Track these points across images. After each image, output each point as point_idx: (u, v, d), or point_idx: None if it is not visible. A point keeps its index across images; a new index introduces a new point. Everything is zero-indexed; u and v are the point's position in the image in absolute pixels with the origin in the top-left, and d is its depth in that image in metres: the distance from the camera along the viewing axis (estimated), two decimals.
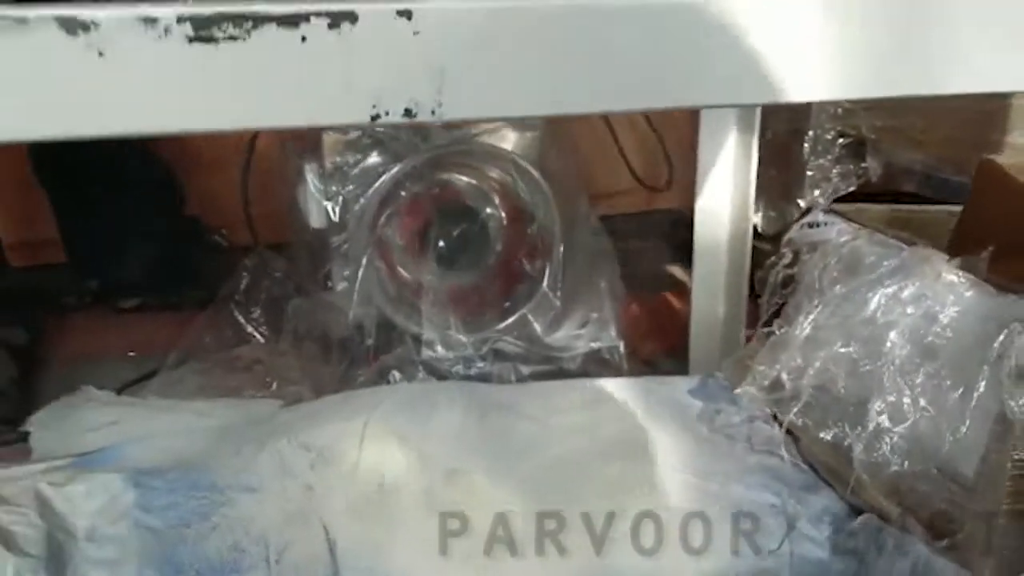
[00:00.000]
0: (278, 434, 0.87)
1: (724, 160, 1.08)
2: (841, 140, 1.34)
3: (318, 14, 0.39)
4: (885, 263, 0.84)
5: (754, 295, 1.12)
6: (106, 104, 0.38)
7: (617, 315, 1.13)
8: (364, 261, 1.03)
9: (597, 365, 1.13)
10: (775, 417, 0.89)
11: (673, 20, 0.43)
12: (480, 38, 0.41)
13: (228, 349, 1.15)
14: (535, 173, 1.08)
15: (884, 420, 0.77)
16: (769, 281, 1.01)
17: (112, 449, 0.90)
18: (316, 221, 1.11)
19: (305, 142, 1.13)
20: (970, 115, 1.20)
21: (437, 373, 1.08)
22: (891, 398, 0.76)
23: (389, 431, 0.88)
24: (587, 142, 1.54)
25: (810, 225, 0.99)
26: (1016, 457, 0.71)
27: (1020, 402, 0.66)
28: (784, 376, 0.85)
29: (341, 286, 1.10)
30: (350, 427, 0.88)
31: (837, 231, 0.93)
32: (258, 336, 1.17)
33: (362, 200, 1.07)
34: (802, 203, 1.35)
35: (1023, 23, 0.50)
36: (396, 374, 1.07)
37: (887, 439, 0.76)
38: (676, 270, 1.47)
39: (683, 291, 1.31)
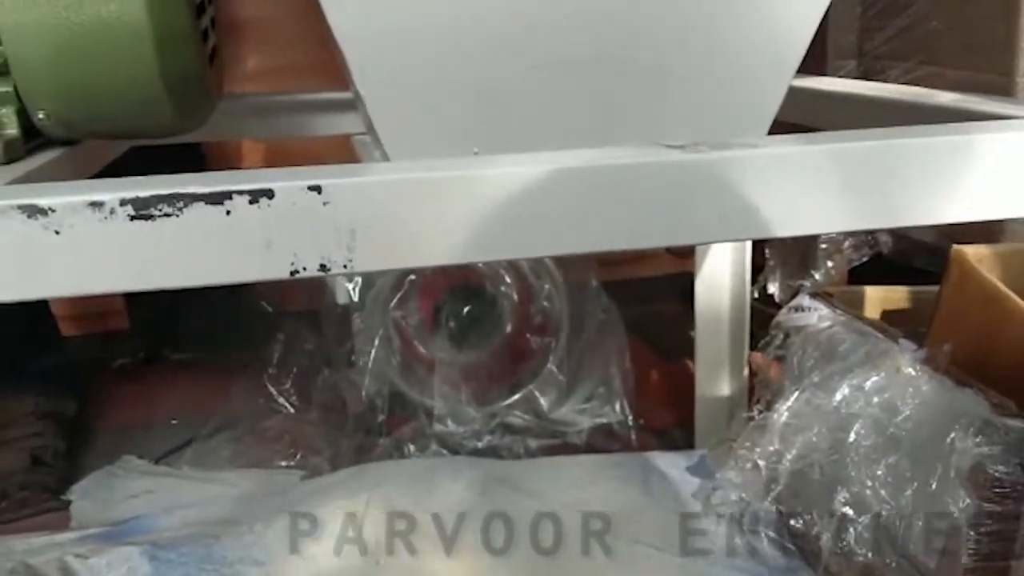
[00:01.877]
0: (287, 508, 0.94)
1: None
2: None
3: (240, 192, 0.46)
4: (855, 353, 0.87)
5: None
6: (62, 272, 0.45)
7: (623, 389, 1.17)
8: (377, 340, 1.10)
9: (605, 437, 1.17)
10: None
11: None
12: (384, 203, 0.47)
13: (259, 419, 1.23)
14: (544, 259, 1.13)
15: (849, 510, 0.79)
16: (760, 365, 1.05)
17: (142, 519, 0.99)
18: (340, 298, 1.19)
19: None
20: None
21: (449, 446, 1.13)
22: (855, 488, 0.79)
23: (389, 507, 0.94)
24: None
25: (796, 309, 1.02)
26: (970, 552, 0.73)
27: (961, 505, 0.68)
28: (762, 462, 0.88)
29: (361, 361, 1.17)
30: (353, 503, 0.95)
31: (818, 316, 0.96)
32: (288, 407, 1.25)
33: (379, 280, 1.15)
34: (817, 275, 1.38)
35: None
36: (410, 446, 1.13)
37: (852, 528, 0.79)
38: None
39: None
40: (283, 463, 1.15)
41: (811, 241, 1.38)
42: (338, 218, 0.47)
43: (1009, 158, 0.54)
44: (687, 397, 1.27)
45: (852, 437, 0.81)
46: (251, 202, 0.46)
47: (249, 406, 1.25)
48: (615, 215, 0.52)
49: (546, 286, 1.13)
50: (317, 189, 0.47)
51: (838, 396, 0.84)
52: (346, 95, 0.90)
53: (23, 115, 0.61)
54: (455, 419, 1.12)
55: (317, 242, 0.47)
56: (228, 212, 0.46)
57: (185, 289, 0.47)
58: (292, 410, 1.24)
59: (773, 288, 1.37)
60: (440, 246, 0.49)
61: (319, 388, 1.22)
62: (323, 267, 0.47)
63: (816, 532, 0.82)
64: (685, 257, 1.69)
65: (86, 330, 1.53)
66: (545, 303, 1.13)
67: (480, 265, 1.15)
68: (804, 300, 1.01)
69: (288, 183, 0.46)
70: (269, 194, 0.46)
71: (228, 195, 0.46)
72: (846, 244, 1.36)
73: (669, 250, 1.68)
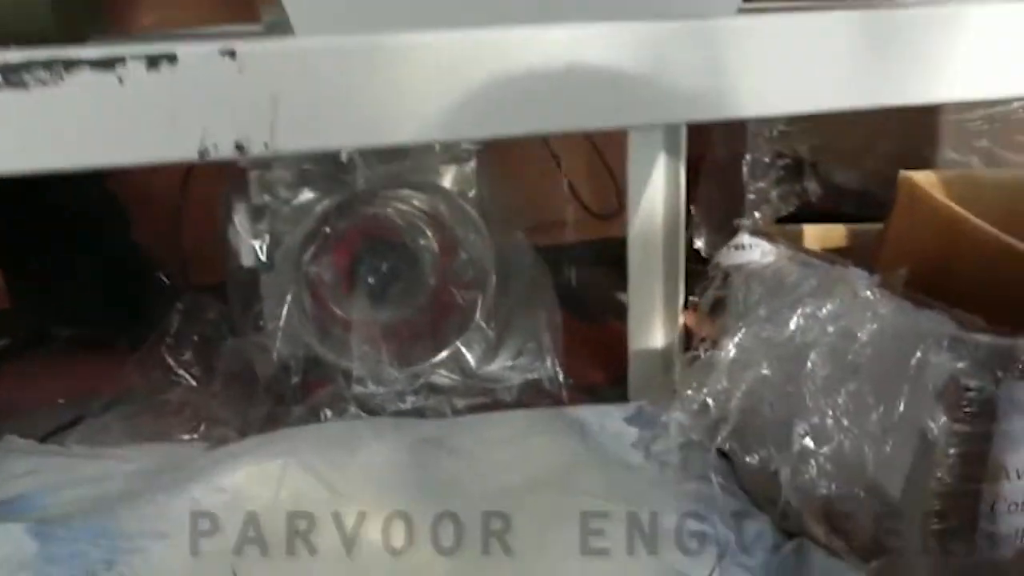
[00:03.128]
0: (195, 478, 0.85)
1: (654, 183, 1.07)
2: (780, 162, 1.33)
3: (135, 56, 0.37)
4: (805, 283, 0.82)
5: None
6: None
7: (555, 344, 1.11)
8: (289, 299, 1.01)
9: (536, 395, 1.11)
10: None
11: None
12: (312, 72, 0.40)
13: (156, 392, 1.12)
14: (465, 205, 1.06)
15: (808, 442, 0.75)
16: (701, 305, 1.00)
17: (26, 498, 0.88)
18: (246, 260, 1.10)
19: (234, 180, 1.12)
20: (904, 133, 1.19)
21: (370, 409, 1.05)
22: (815, 419, 0.75)
23: (308, 471, 0.85)
24: (534, 173, 1.54)
25: (736, 247, 0.98)
26: (938, 476, 0.69)
27: (940, 422, 0.65)
28: (711, 400, 0.83)
29: (271, 325, 1.08)
30: (268, 468, 0.86)
31: (761, 252, 0.92)
32: (188, 379, 1.15)
33: (288, 236, 1.06)
34: (745, 222, 1.34)
35: None
36: (327, 412, 1.04)
37: (813, 461, 0.74)
38: (624, 297, 1.46)
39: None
40: (185, 436, 1.05)
41: (737, 192, 1.35)
42: (257, 88, 0.39)
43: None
44: (617, 357, 1.23)
45: (808, 367, 0.77)
46: (150, 67, 0.38)
47: (145, 380, 1.14)
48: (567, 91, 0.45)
49: (471, 236, 1.06)
50: (231, 54, 0.39)
51: (791, 327, 0.80)
52: None
53: None
54: (376, 380, 1.04)
55: (232, 116, 0.39)
56: (120, 80, 0.38)
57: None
58: (193, 382, 1.14)
59: (699, 243, 1.33)
60: (375, 122, 0.41)
61: (224, 357, 1.13)
62: (239, 147, 0.39)
63: (774, 468, 0.77)
64: (609, 220, 1.65)
65: None
66: (469, 254, 1.06)
67: (398, 218, 1.07)
68: (744, 238, 0.97)
69: (196, 48, 0.38)
70: (172, 59, 0.38)
71: (120, 60, 0.37)
72: (773, 193, 1.33)
73: (593, 214, 1.63)
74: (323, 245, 1.05)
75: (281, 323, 1.02)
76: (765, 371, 0.82)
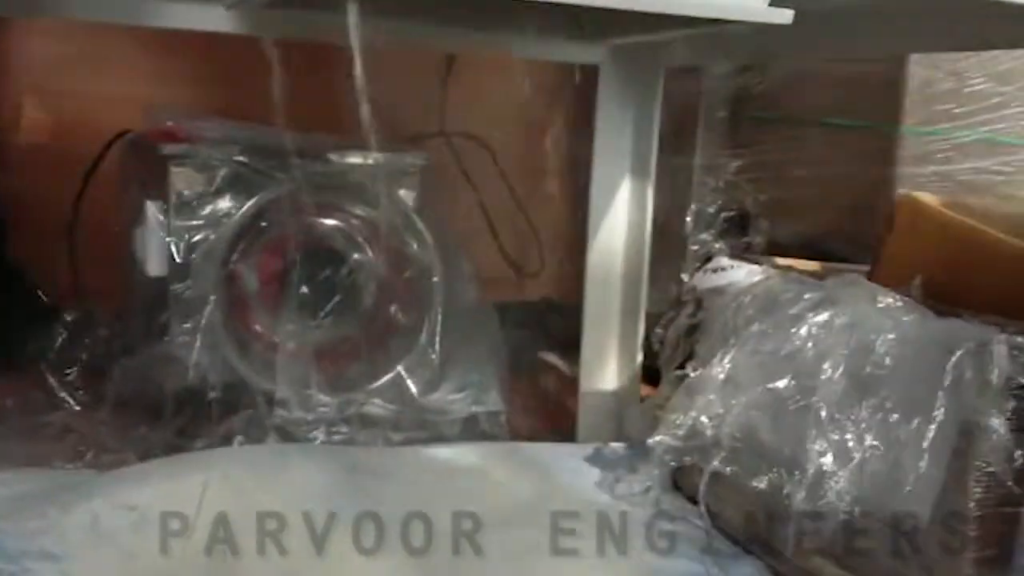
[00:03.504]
0: (92, 495, 0.70)
1: (617, 211, 1.00)
2: (724, 214, 1.30)
3: None
4: (807, 296, 0.76)
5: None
6: None
7: (499, 379, 1.01)
8: (211, 302, 0.88)
9: (475, 436, 0.99)
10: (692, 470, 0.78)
11: None
12: None
13: (35, 416, 0.95)
14: (413, 216, 0.97)
15: (827, 461, 0.67)
16: (670, 336, 0.93)
17: None
18: (155, 266, 0.96)
19: (142, 181, 0.99)
20: (855, 188, 1.18)
21: (291, 439, 0.91)
22: (833, 436, 0.67)
23: (234, 490, 0.71)
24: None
25: (714, 270, 0.91)
26: (977, 496, 0.62)
27: (997, 427, 0.58)
28: (705, 420, 0.74)
29: (180, 339, 0.94)
30: (184, 487, 0.72)
31: (747, 272, 0.85)
32: (72, 402, 0.98)
33: (211, 237, 0.93)
34: (685, 278, 1.29)
35: None
36: (240, 439, 0.90)
37: (831, 482, 0.66)
38: (550, 357, 1.38)
39: (558, 376, 1.22)
40: (70, 465, 0.89)
41: (679, 243, 1.30)
42: None
43: None
44: (551, 404, 1.14)
45: (821, 380, 0.70)
46: None
47: (22, 401, 0.97)
48: None
49: (417, 252, 0.96)
50: None
51: (796, 340, 0.73)
52: None
53: None
54: (302, 406, 0.91)
55: None
56: None
57: None
58: (77, 406, 0.98)
59: None
60: None
61: (117, 377, 0.97)
62: None
63: (786, 493, 0.69)
64: (532, 278, 1.57)
65: None
66: (415, 271, 0.96)
67: (337, 225, 0.97)
68: (722, 261, 0.91)
69: None
70: None
71: None
72: (716, 246, 1.29)
73: (517, 272, 1.55)
74: (250, 248, 0.92)
75: (200, 331, 0.88)
76: (766, 387, 0.74)
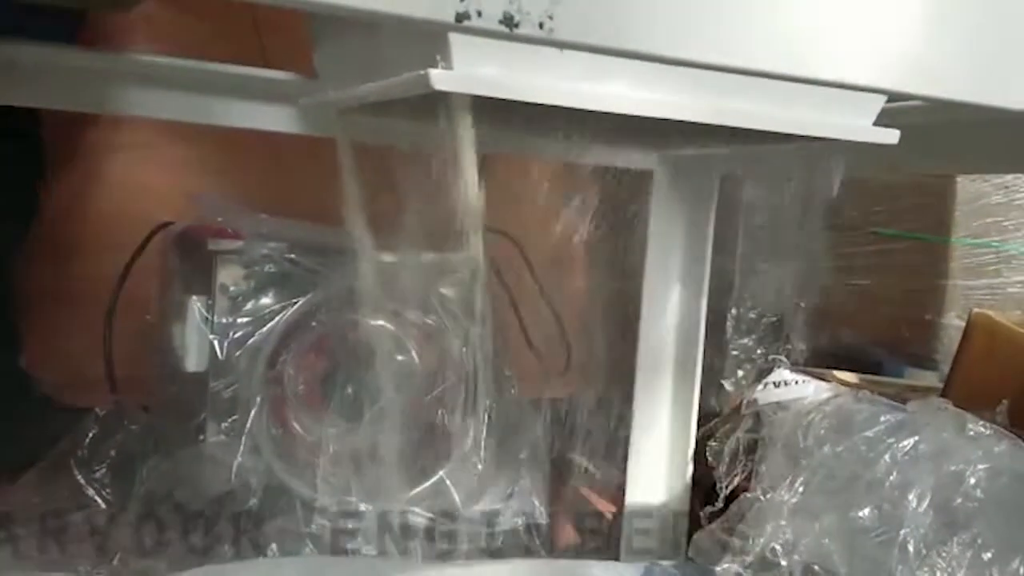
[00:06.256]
0: None
1: (668, 313, 0.98)
2: (764, 320, 1.27)
3: None
4: (883, 418, 0.73)
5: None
6: None
7: (542, 487, 0.97)
8: (258, 402, 0.84)
9: (515, 545, 0.95)
10: None
11: None
12: None
13: (58, 516, 0.91)
14: (460, 315, 0.94)
15: None
16: (727, 450, 0.89)
17: None
18: (194, 362, 0.93)
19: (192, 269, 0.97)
20: (906, 298, 1.16)
21: (328, 549, 0.87)
22: (922, 573, 0.63)
23: None
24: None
25: (775, 384, 0.88)
26: None
27: None
28: (777, 548, 0.70)
29: (216, 438, 0.90)
30: None
31: (815, 388, 0.82)
32: (100, 501, 0.94)
33: (256, 335, 0.90)
34: (726, 384, 1.26)
35: None
36: (274, 547, 0.86)
37: None
38: (581, 459, 1.34)
39: (591, 481, 1.18)
40: (90, 568, 0.84)
41: (719, 349, 1.27)
42: None
43: None
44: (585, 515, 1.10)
45: (908, 511, 0.66)
46: None
47: (43, 499, 0.93)
48: None
49: (466, 356, 0.93)
50: None
51: (880, 466, 0.69)
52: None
53: None
54: (342, 514, 0.87)
55: None
56: None
57: None
58: (104, 505, 0.94)
59: None
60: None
61: (148, 476, 0.93)
62: (507, 20, 0.27)
63: None
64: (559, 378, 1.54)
65: None
66: (461, 375, 0.93)
67: (383, 323, 0.94)
68: (784, 374, 0.88)
69: None
70: None
71: None
72: (757, 352, 1.27)
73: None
74: (298, 347, 0.90)
75: (245, 433, 0.85)
76: (840, 517, 0.71)
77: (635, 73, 0.48)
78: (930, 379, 1.12)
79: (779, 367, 0.89)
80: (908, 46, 0.41)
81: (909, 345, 1.14)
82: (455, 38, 0.43)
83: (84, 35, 1.00)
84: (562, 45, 0.29)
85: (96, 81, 0.69)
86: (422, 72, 0.44)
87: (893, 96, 0.49)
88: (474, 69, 0.43)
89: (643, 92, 0.48)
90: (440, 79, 0.44)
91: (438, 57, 0.44)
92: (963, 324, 1.10)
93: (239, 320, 0.91)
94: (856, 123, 0.52)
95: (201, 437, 0.92)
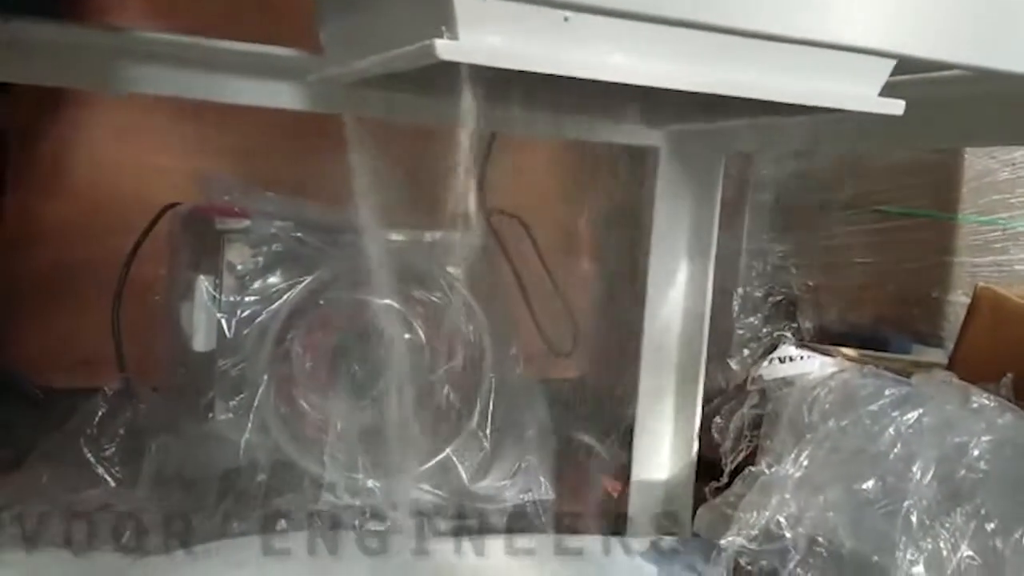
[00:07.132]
0: None
1: (676, 287, 0.98)
2: (771, 299, 1.28)
3: None
4: (888, 392, 0.73)
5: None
6: None
7: (548, 465, 0.97)
8: (265, 380, 0.85)
9: (520, 522, 0.96)
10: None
11: None
12: None
13: (68, 493, 0.92)
14: (466, 294, 0.95)
15: (919, 571, 0.63)
16: (732, 426, 0.90)
17: None
18: (202, 341, 0.93)
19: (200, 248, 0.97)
20: (911, 275, 1.16)
21: (336, 524, 0.88)
22: (925, 544, 0.64)
23: None
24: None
25: (780, 360, 0.89)
26: None
27: None
28: (781, 521, 0.71)
29: (224, 416, 0.91)
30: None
31: (820, 364, 0.83)
32: (109, 479, 0.95)
33: (264, 314, 0.91)
34: (732, 363, 1.27)
35: None
36: (283, 522, 0.86)
37: None
38: (587, 438, 1.35)
39: (597, 460, 1.19)
40: (104, 547, 0.85)
41: (726, 327, 1.28)
42: None
43: None
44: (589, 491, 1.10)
45: (911, 483, 0.67)
46: None
47: (53, 477, 0.94)
48: None
49: (471, 334, 0.94)
50: None
51: (884, 439, 0.70)
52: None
53: None
54: (349, 491, 0.87)
55: None
56: None
57: None
58: (114, 483, 0.94)
59: None
60: None
61: (158, 454, 0.94)
62: None
63: None
64: (566, 358, 1.54)
65: None
66: (466, 350, 0.94)
67: (389, 302, 0.94)
68: (789, 350, 0.88)
69: None
70: None
71: None
72: (763, 331, 1.27)
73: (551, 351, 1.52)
74: (305, 325, 0.90)
75: (253, 410, 0.85)
76: (845, 490, 0.71)
77: (643, 44, 0.48)
78: (936, 356, 1.12)
79: (784, 343, 0.89)
80: (916, 8, 0.41)
81: (916, 323, 1.14)
82: (460, 5, 0.43)
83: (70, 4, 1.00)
84: (568, 7, 0.29)
85: (100, 58, 0.69)
86: (428, 42, 0.44)
87: (900, 60, 0.49)
88: (480, 38, 0.43)
89: (651, 62, 0.48)
90: (446, 49, 0.44)
91: (443, 28, 0.44)
92: (967, 301, 1.11)
93: (247, 299, 0.91)
94: (861, 92, 0.52)
95: (209, 415, 0.93)
